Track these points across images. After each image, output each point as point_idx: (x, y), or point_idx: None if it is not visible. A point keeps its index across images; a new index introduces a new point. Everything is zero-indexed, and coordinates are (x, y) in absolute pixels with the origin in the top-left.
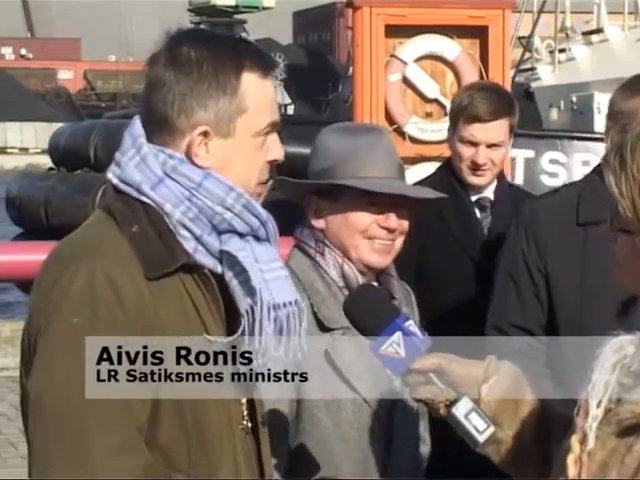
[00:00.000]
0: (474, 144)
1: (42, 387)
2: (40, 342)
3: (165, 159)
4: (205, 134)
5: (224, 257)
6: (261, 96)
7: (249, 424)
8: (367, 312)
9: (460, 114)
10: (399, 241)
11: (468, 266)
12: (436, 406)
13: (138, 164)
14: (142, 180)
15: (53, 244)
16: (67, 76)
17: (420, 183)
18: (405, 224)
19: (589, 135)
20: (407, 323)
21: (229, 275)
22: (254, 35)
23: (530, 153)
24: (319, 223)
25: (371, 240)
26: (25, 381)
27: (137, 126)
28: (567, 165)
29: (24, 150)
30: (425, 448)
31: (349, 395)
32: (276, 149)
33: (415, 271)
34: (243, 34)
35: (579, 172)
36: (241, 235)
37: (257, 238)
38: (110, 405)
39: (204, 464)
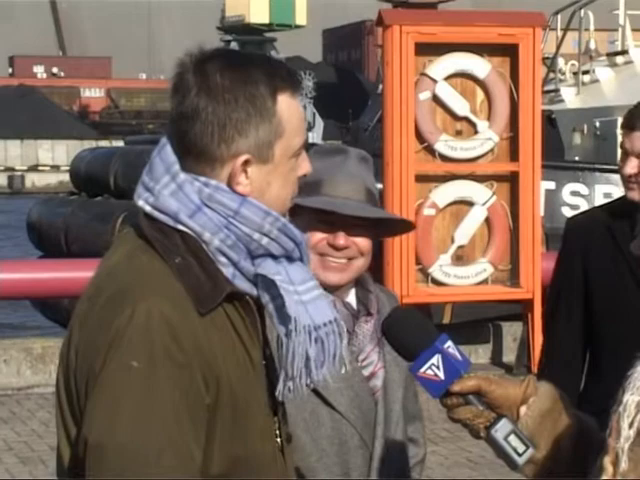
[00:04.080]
0: None
1: (104, 436)
2: (96, 385)
3: (200, 187)
4: (246, 162)
5: (260, 281)
6: (294, 116)
7: (279, 440)
8: (406, 334)
9: None
10: (359, 261)
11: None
12: (475, 427)
13: (174, 192)
14: (179, 209)
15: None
16: (95, 94)
17: None
18: (362, 244)
19: (611, 167)
20: (446, 345)
21: (265, 299)
22: (284, 53)
23: (551, 185)
24: None
25: (323, 257)
26: (70, 422)
27: (168, 151)
28: (589, 197)
29: (55, 168)
30: (417, 450)
31: (327, 411)
32: (305, 164)
33: (581, 288)
34: (273, 52)
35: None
36: (274, 257)
37: (290, 258)
38: (175, 455)
39: None
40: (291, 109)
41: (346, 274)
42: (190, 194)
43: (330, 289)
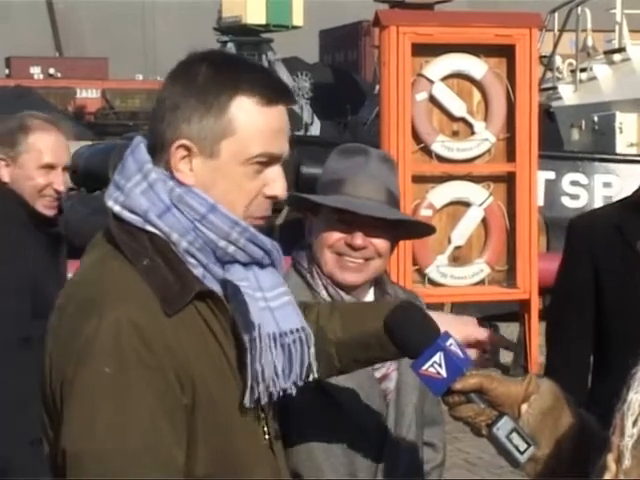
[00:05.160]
0: None
1: (82, 443)
2: (70, 394)
3: (173, 187)
4: (186, 149)
5: (227, 286)
6: (257, 123)
7: (267, 437)
8: (408, 332)
9: None
10: (376, 262)
11: None
12: (477, 425)
13: (145, 191)
14: (149, 208)
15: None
16: (90, 95)
17: None
18: (380, 245)
19: (610, 156)
20: (448, 343)
21: (232, 304)
22: (281, 54)
23: (551, 174)
24: (310, 240)
25: (340, 256)
26: (50, 432)
27: (142, 150)
28: (588, 187)
29: None
30: (435, 454)
31: (337, 413)
32: (277, 185)
33: (590, 288)
34: (269, 53)
35: (600, 194)
36: (244, 264)
37: (260, 265)
38: (155, 456)
39: None
40: (254, 116)
41: (363, 274)
42: (160, 193)
43: (347, 289)
